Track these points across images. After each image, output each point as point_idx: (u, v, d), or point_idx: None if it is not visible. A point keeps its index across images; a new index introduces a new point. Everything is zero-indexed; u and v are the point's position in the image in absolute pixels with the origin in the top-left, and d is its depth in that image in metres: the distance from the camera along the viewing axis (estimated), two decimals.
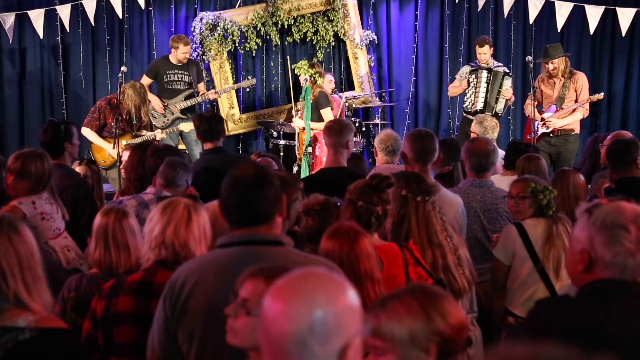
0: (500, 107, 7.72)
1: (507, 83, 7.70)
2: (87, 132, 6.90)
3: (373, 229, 2.93)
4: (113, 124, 6.53)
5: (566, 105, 7.31)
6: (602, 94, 7.60)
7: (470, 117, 7.88)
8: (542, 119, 7.24)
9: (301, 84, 7.77)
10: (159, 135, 7.05)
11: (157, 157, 4.30)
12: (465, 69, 7.95)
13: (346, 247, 2.58)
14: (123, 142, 6.69)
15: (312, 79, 7.56)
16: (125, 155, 5.35)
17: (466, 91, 7.84)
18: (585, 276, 1.97)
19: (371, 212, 2.93)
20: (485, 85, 7.68)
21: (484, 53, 7.72)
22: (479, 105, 7.70)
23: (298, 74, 7.81)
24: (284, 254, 2.26)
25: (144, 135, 6.94)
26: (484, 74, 7.68)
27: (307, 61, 7.87)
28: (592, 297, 1.94)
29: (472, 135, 5.89)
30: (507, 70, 7.84)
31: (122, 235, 2.90)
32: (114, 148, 6.46)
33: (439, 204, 3.21)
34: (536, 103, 7.28)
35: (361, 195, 2.95)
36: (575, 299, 1.99)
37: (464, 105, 7.96)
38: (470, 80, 7.77)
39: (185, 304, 2.15)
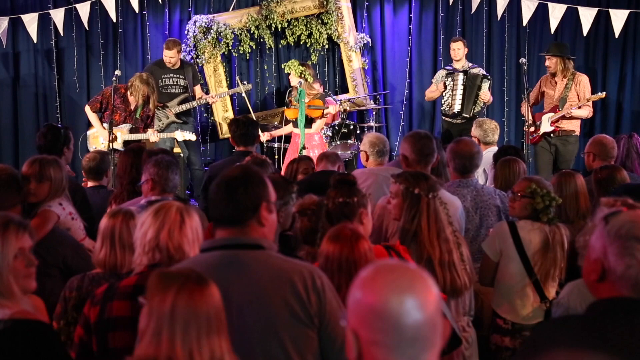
0: (477, 109, 7.80)
1: (485, 86, 7.75)
2: (89, 110, 6.96)
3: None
4: (112, 113, 6.59)
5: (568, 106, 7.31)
6: (604, 92, 7.61)
7: (447, 119, 7.94)
8: (552, 121, 7.23)
9: (291, 83, 7.80)
10: (152, 137, 6.94)
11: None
12: (441, 72, 8.05)
13: (346, 251, 2.59)
14: (118, 133, 6.68)
15: (303, 76, 7.61)
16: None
17: (443, 94, 7.90)
18: (598, 286, 1.88)
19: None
20: (462, 87, 7.73)
21: (458, 48, 7.83)
22: (457, 107, 7.75)
23: (288, 72, 7.83)
24: (264, 257, 2.29)
25: (140, 132, 6.89)
26: (460, 76, 7.76)
27: (297, 60, 7.94)
28: (602, 318, 1.82)
29: (473, 138, 5.87)
30: (485, 73, 7.90)
31: (128, 236, 2.90)
32: (109, 137, 6.33)
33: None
34: (531, 102, 7.29)
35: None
36: (582, 319, 1.88)
37: (442, 108, 8.02)
38: (447, 83, 7.83)
39: None
